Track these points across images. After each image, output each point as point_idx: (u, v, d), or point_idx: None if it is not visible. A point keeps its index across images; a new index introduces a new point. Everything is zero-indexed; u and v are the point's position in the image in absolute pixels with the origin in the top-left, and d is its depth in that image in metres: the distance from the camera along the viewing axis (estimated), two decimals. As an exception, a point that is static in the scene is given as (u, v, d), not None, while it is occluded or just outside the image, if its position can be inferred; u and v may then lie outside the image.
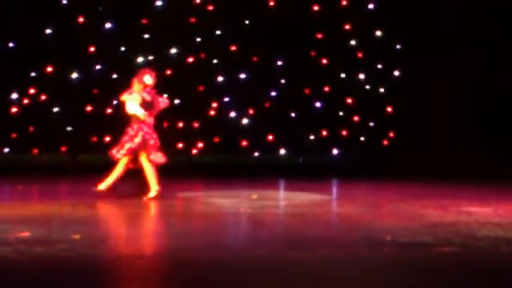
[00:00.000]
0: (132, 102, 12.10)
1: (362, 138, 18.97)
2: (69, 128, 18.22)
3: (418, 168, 17.72)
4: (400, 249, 7.77)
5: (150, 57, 18.28)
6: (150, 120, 12.22)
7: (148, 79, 12.29)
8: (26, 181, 15.25)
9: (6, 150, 17.94)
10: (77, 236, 8.21)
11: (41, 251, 7.30)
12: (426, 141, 18.33)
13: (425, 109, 18.41)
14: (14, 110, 17.79)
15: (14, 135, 17.83)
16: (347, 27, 18.76)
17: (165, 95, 13.35)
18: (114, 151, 12.14)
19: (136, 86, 12.23)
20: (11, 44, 17.74)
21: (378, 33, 18.71)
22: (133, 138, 12.03)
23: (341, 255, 7.45)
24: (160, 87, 16.53)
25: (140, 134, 12.02)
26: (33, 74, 17.91)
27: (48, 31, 17.90)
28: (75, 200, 11.91)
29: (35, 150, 18.04)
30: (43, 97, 17.99)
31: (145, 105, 12.14)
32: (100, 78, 18.24)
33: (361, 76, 18.88)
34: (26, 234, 8.35)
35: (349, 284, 6.35)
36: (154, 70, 12.72)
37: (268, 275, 6.58)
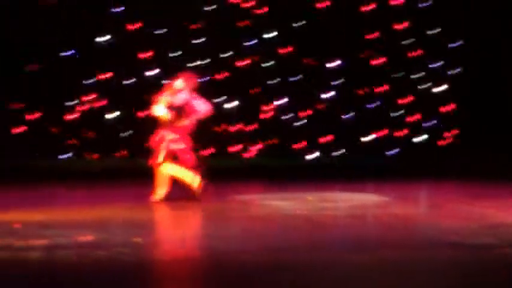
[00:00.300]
0: (159, 104, 12.10)
1: (419, 138, 18.81)
2: (126, 133, 18.39)
3: (476, 168, 17.50)
4: (462, 250, 7.67)
5: (204, 61, 18.38)
6: (182, 124, 12.12)
7: (180, 83, 12.20)
8: (86, 186, 15.40)
9: (66, 155, 18.16)
10: (138, 240, 8.26)
11: (103, 254, 7.36)
12: (484, 140, 18.10)
13: (484, 107, 18.19)
14: (73, 116, 18.01)
15: (73, 141, 18.05)
16: (402, 25, 18.62)
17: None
18: (155, 161, 12.14)
19: (169, 89, 12.21)
20: (68, 52, 17.97)
21: (434, 31, 18.54)
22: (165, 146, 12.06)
23: (402, 257, 7.38)
24: (215, 90, 16.61)
25: (168, 145, 12.05)
26: (90, 81, 18.12)
27: (103, 38, 18.10)
28: (135, 204, 11.99)
29: (94, 155, 18.24)
30: (101, 103, 18.19)
31: (174, 109, 12.09)
32: (154, 83, 18.37)
33: (418, 75, 18.72)
34: (87, 238, 8.44)
35: (410, 286, 6.28)
36: (194, 75, 12.69)
37: (327, 277, 6.54)
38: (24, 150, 17.48)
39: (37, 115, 17.80)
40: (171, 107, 12.02)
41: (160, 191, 11.97)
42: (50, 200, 12.87)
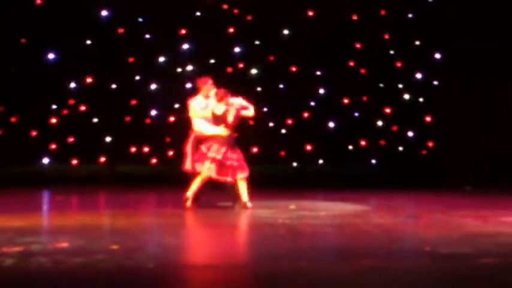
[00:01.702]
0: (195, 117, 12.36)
1: (400, 148, 18.84)
2: (108, 139, 18.33)
3: (457, 179, 17.56)
4: (440, 260, 7.67)
5: (189, 67, 18.35)
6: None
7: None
8: (65, 192, 15.35)
9: (46, 160, 18.09)
10: (115, 246, 8.22)
11: (79, 261, 7.31)
12: (465, 151, 18.14)
13: (465, 118, 18.21)
14: (53, 120, 17.94)
15: (53, 146, 17.98)
16: (386, 36, 18.65)
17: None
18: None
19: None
20: (51, 55, 17.90)
21: (417, 42, 18.58)
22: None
23: (382, 267, 7.36)
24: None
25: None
26: (73, 85, 18.05)
27: (88, 42, 18.03)
28: (114, 211, 11.96)
29: (74, 161, 18.17)
30: (82, 108, 18.12)
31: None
32: (139, 88, 18.32)
33: (400, 85, 18.75)
34: (64, 244, 8.39)
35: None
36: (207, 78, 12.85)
37: (309, 286, 6.52)
38: (3, 154, 17.40)
39: (17, 119, 17.71)
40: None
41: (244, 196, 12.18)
42: (28, 206, 12.83)
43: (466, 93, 18.18)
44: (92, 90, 18.08)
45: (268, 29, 18.68)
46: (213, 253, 8.22)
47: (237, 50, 18.75)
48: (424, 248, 8.37)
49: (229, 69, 18.63)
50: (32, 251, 7.82)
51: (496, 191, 16.07)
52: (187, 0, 18.34)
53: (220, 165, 12.11)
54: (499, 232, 9.53)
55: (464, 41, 17.95)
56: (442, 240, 8.84)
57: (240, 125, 18.32)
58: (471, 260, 7.63)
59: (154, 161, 18.55)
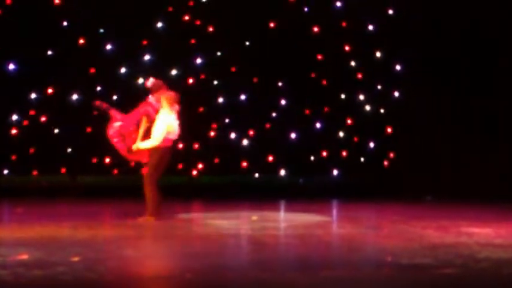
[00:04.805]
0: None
1: (362, 159, 18.93)
2: (69, 149, 18.21)
3: (417, 189, 17.68)
4: (401, 270, 7.73)
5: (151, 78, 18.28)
6: None
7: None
8: (25, 203, 15.21)
9: (6, 171, 17.92)
10: (76, 258, 8.17)
11: (40, 273, 7.25)
12: (426, 162, 18.28)
13: (425, 130, 18.37)
14: (14, 131, 17.78)
15: (13, 157, 17.82)
16: (347, 48, 18.76)
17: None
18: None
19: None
20: (11, 66, 17.75)
21: (378, 54, 18.70)
22: None
23: (343, 277, 7.41)
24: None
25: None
26: (33, 96, 17.93)
27: (49, 52, 17.91)
28: (75, 222, 11.87)
29: (35, 172, 18.03)
30: (43, 118, 17.99)
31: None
32: (100, 99, 18.22)
33: (361, 97, 18.86)
34: (24, 256, 8.32)
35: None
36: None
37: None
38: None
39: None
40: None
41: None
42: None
43: (427, 104, 18.34)
44: (52, 100, 17.94)
45: (229, 40, 18.69)
46: (172, 265, 8.20)
47: (198, 61, 18.73)
48: (385, 259, 8.42)
49: (191, 80, 18.59)
50: (-8, 263, 7.75)
51: (457, 201, 16.20)
52: (148, 11, 18.29)
53: None
54: (459, 243, 9.62)
55: (424, 52, 18.16)
56: (403, 251, 8.90)
57: (202, 136, 18.49)
58: (432, 270, 7.70)
59: (115, 171, 18.46)
